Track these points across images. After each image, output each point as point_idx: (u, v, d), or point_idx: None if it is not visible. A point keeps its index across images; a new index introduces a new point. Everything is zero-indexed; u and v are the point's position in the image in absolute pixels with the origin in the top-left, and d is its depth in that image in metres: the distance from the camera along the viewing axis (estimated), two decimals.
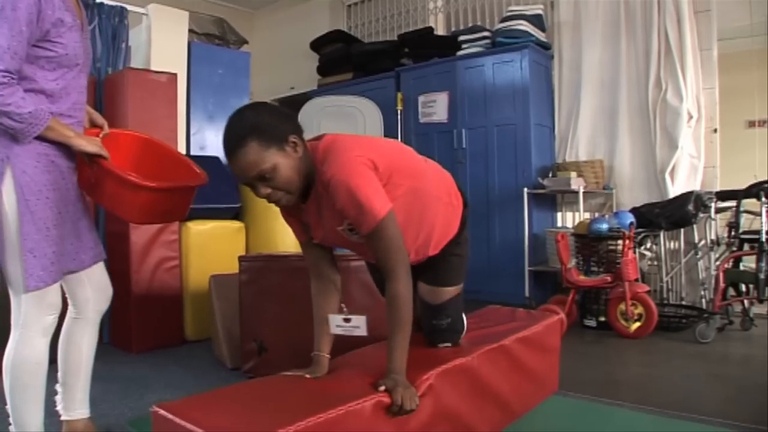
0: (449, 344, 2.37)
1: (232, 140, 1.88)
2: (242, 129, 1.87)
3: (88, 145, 2.08)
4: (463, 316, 2.44)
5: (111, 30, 4.84)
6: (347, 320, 2.13)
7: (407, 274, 1.97)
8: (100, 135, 2.30)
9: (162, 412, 1.69)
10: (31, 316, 2.07)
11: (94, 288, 2.37)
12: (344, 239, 2.11)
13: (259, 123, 1.88)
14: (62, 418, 2.37)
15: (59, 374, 2.36)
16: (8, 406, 2.16)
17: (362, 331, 2.11)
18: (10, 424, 2.19)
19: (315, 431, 1.60)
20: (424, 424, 2.01)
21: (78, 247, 2.25)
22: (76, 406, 2.33)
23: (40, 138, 1.99)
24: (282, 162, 1.87)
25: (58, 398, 2.39)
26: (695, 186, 5.16)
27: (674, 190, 5.13)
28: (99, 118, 2.41)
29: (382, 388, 1.87)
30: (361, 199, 1.88)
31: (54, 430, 2.48)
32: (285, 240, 4.90)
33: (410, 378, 1.96)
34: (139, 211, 2.24)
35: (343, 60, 7.13)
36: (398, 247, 1.96)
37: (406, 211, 2.08)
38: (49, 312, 2.11)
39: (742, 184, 4.50)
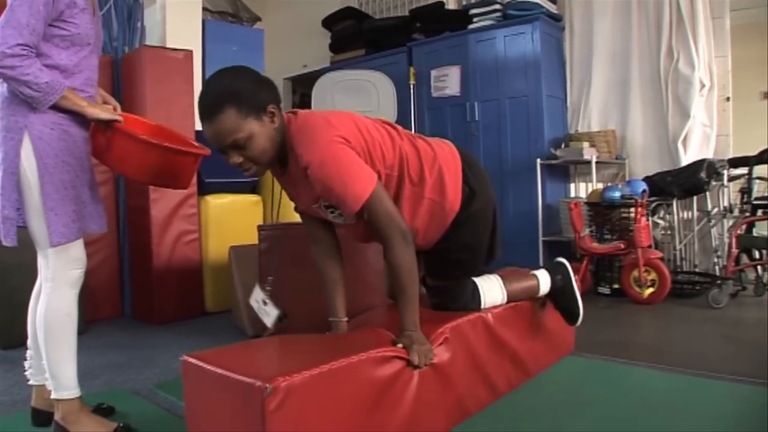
0: None
1: (210, 104, 1.84)
2: (221, 94, 1.83)
3: (102, 112, 2.19)
4: (466, 295, 2.38)
5: (126, 10, 4.90)
6: (265, 302, 2.26)
7: (403, 240, 1.94)
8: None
9: (192, 360, 1.77)
10: (59, 269, 2.19)
11: None
12: (321, 213, 2.11)
13: (239, 89, 1.84)
14: (30, 383, 2.43)
15: (29, 340, 2.42)
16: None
17: (269, 322, 2.24)
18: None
19: (336, 375, 1.68)
20: (442, 375, 2.09)
21: (99, 210, 2.37)
22: (43, 372, 2.38)
23: (56, 108, 2.09)
24: (258, 132, 1.85)
25: (26, 364, 2.45)
26: (708, 155, 5.16)
27: (687, 159, 5.13)
28: (111, 100, 2.48)
29: (400, 345, 1.94)
30: (338, 188, 1.86)
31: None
32: (272, 215, 4.99)
33: (426, 331, 2.03)
34: (147, 170, 2.34)
35: (355, 36, 7.14)
36: (390, 216, 1.94)
37: None
38: (75, 266, 2.24)
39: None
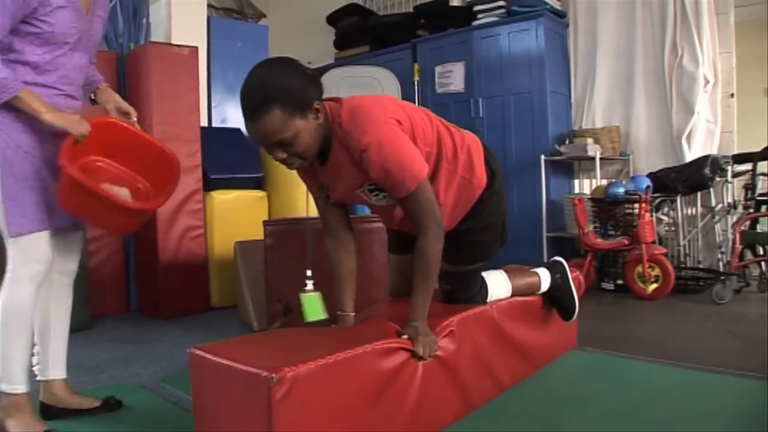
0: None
1: (255, 104, 1.80)
2: (267, 93, 1.78)
3: (56, 119, 2.08)
4: (476, 286, 2.40)
5: (132, 6, 4.94)
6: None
7: (438, 230, 1.99)
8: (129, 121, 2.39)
9: (199, 352, 1.79)
10: (18, 261, 2.12)
11: (59, 251, 2.35)
12: (361, 199, 2.14)
13: (287, 88, 1.80)
14: (38, 378, 2.40)
15: (35, 336, 2.36)
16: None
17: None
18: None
19: (341, 366, 1.70)
20: (448, 368, 2.11)
21: None
22: (49, 368, 2.37)
23: (9, 107, 2.04)
24: (303, 129, 1.83)
25: (34, 359, 2.40)
26: (712, 151, 5.16)
27: (691, 156, 5.14)
28: (124, 105, 2.43)
29: (405, 337, 1.96)
30: (398, 166, 1.88)
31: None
32: (306, 207, 5.00)
33: (431, 323, 2.06)
34: (77, 207, 2.18)
35: (360, 33, 7.17)
36: (433, 206, 1.98)
37: None
38: (36, 260, 2.14)
39: None
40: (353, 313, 2.25)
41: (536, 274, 2.67)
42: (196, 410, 1.85)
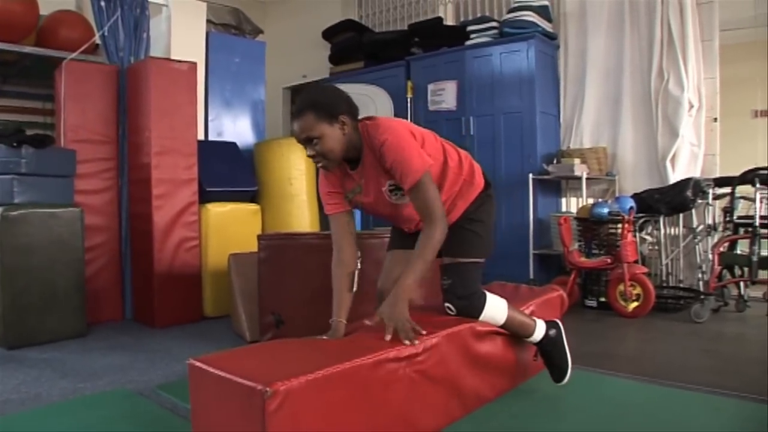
0: (451, 306, 2.50)
1: (298, 106, 2.29)
2: (307, 100, 2.29)
3: None
4: (474, 287, 2.53)
5: (133, 21, 5.04)
6: None
7: (443, 222, 2.31)
8: None
9: (197, 363, 1.91)
10: None
11: None
12: (386, 201, 2.45)
13: (320, 99, 2.29)
14: None
15: None
16: None
17: None
18: None
19: (332, 379, 1.82)
20: (432, 381, 2.24)
21: None
22: None
23: None
24: (328, 134, 2.27)
25: None
26: (696, 173, 5.32)
27: (675, 177, 5.29)
28: None
29: (377, 319, 2.26)
30: (406, 157, 2.26)
31: None
32: (300, 222, 5.14)
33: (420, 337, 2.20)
34: None
35: (355, 49, 7.30)
36: (436, 198, 2.32)
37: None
38: None
39: None
40: (345, 321, 2.41)
41: (533, 320, 2.73)
42: (193, 418, 1.96)
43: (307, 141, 2.29)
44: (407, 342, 2.15)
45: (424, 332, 2.23)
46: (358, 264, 2.51)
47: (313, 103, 2.27)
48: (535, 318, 2.74)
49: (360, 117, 2.41)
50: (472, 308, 2.50)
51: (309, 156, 2.32)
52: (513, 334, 2.69)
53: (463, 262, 2.51)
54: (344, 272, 2.48)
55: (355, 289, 2.49)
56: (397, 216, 2.55)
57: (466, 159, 2.63)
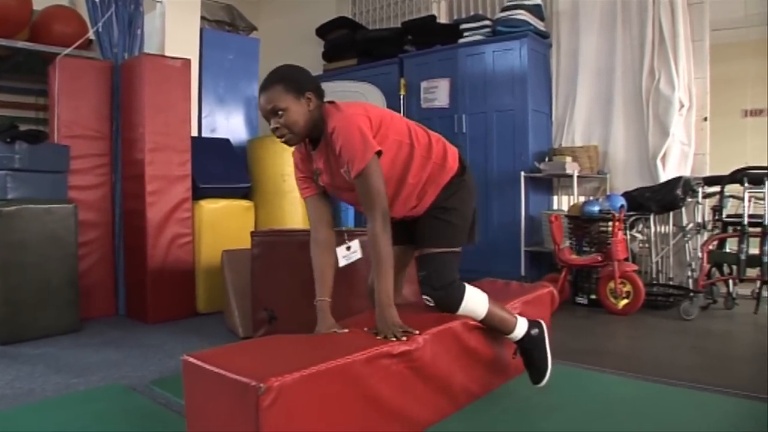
0: (429, 298, 2.48)
1: (267, 80, 2.36)
2: (278, 74, 2.35)
3: None
4: (450, 277, 2.50)
5: (127, 17, 5.05)
6: (348, 248, 2.60)
7: (384, 217, 2.32)
8: None
9: (191, 359, 1.93)
10: None
11: None
12: (345, 183, 2.42)
13: (289, 75, 2.36)
14: None
15: None
16: None
17: (359, 254, 2.63)
18: None
19: (325, 375, 1.86)
20: (424, 376, 2.27)
21: None
22: None
23: None
24: (293, 107, 2.31)
25: None
26: (686, 172, 5.37)
27: (665, 176, 5.35)
28: None
29: (380, 337, 2.23)
30: (352, 143, 2.29)
31: None
32: (292, 218, 5.16)
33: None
34: None
35: (348, 46, 7.30)
36: (378, 191, 2.32)
37: (391, 159, 2.43)
38: None
39: None
40: (329, 300, 2.46)
41: (515, 316, 2.68)
42: (188, 414, 1.99)
43: (272, 112, 2.34)
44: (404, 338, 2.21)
45: (416, 332, 2.26)
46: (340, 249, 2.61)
47: (281, 77, 2.34)
48: (517, 315, 2.69)
49: (325, 100, 2.46)
50: (450, 300, 2.47)
51: (273, 129, 2.38)
52: (493, 329, 2.65)
53: (437, 252, 2.49)
54: (322, 251, 2.51)
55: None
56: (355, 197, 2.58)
57: (438, 142, 2.62)
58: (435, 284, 2.47)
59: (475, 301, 2.53)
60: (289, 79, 2.33)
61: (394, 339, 2.18)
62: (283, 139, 2.39)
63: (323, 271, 2.49)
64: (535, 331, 2.68)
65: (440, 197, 2.57)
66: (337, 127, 2.32)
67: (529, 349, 2.68)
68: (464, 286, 2.51)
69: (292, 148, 2.54)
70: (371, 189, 2.31)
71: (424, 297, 2.49)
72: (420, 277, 2.52)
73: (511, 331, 2.64)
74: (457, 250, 2.55)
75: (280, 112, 2.31)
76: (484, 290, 2.62)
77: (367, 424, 2.02)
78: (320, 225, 2.55)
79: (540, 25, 6.08)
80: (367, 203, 2.33)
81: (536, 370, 2.68)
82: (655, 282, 5.23)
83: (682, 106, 5.40)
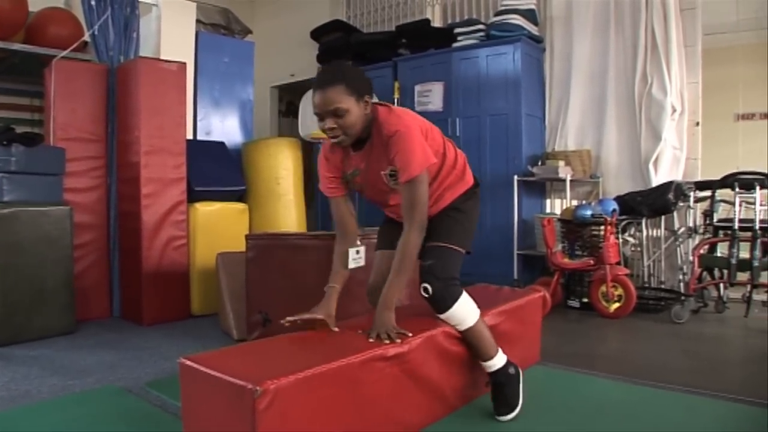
0: (428, 287, 2.41)
1: (328, 77, 2.34)
2: (339, 73, 2.34)
3: None
4: (454, 272, 2.49)
5: (123, 20, 5.06)
6: (357, 252, 2.62)
7: (421, 228, 2.40)
8: None
9: (188, 362, 1.95)
10: None
11: None
12: (383, 185, 2.51)
13: (353, 76, 2.36)
14: None
15: None
16: None
17: (362, 261, 2.64)
18: None
19: (320, 378, 1.88)
20: (418, 379, 2.31)
21: None
22: None
23: None
24: (354, 109, 2.32)
25: None
26: (678, 176, 5.41)
27: (657, 180, 5.39)
28: None
29: (371, 340, 2.26)
30: (411, 151, 2.33)
31: None
32: (286, 221, 5.19)
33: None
34: None
35: (343, 49, 7.31)
36: (422, 201, 2.39)
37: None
38: None
39: None
40: (338, 287, 2.54)
41: (498, 347, 2.62)
42: (184, 416, 2.01)
43: (331, 113, 2.32)
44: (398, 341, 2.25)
45: (410, 334, 2.30)
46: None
47: (344, 76, 2.33)
48: (499, 348, 2.61)
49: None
50: (448, 294, 2.44)
51: (327, 129, 2.36)
52: (473, 347, 2.58)
53: (447, 246, 2.53)
54: (345, 248, 2.59)
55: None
56: (389, 202, 2.64)
57: (461, 157, 2.73)
58: (438, 274, 2.44)
59: (467, 309, 2.51)
60: (351, 79, 2.34)
61: (388, 341, 2.22)
62: (335, 140, 2.41)
63: (341, 268, 2.58)
64: (512, 370, 2.61)
65: (455, 200, 2.66)
66: (399, 131, 2.34)
67: (502, 383, 2.58)
68: (462, 290, 2.51)
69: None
70: (417, 198, 2.37)
71: (423, 286, 2.43)
72: (424, 266, 2.50)
73: (490, 358, 2.57)
74: (462, 251, 2.57)
75: (340, 113, 2.31)
76: (476, 295, 2.62)
77: (361, 426, 2.05)
78: (348, 224, 2.64)
79: (534, 29, 6.11)
80: (409, 211, 2.39)
81: (505, 405, 2.57)
82: (646, 285, 5.27)
83: (674, 110, 5.44)
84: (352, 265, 2.60)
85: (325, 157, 2.61)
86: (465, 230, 2.65)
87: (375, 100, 2.47)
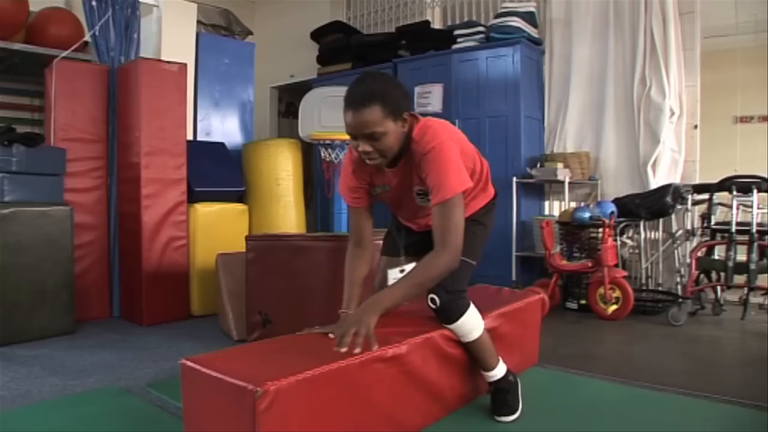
0: (435, 298, 2.39)
1: (362, 97, 2.14)
2: (374, 92, 2.14)
3: None
4: (463, 286, 2.47)
5: (124, 21, 5.08)
6: (402, 271, 2.51)
7: (453, 256, 2.22)
8: None
9: (189, 363, 1.97)
10: None
11: None
12: (412, 202, 2.45)
13: (390, 93, 2.17)
14: None
15: None
16: None
17: None
18: None
19: (320, 379, 1.90)
20: (417, 380, 2.32)
21: None
22: None
23: None
24: (392, 131, 2.17)
25: None
26: (676, 179, 5.43)
27: (656, 183, 5.40)
28: None
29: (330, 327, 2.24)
30: (446, 172, 2.19)
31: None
32: (286, 222, 5.21)
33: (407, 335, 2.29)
34: None
35: (343, 50, 7.34)
36: (457, 226, 2.22)
37: None
38: None
39: None
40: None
41: (499, 358, 2.65)
42: (185, 417, 2.03)
43: (367, 137, 2.17)
44: (344, 349, 2.02)
45: (376, 347, 2.11)
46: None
47: (382, 95, 2.14)
48: (500, 358, 2.64)
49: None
50: (456, 307, 2.42)
51: (361, 151, 2.22)
52: (476, 358, 2.59)
53: (461, 259, 2.40)
54: (359, 264, 2.50)
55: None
56: (416, 217, 2.61)
57: (485, 167, 2.65)
58: (448, 287, 2.38)
59: (474, 322, 2.51)
60: (389, 97, 2.15)
61: (345, 348, 2.03)
62: (372, 163, 2.27)
63: (354, 282, 2.47)
64: (511, 378, 2.64)
65: (476, 213, 2.60)
66: (435, 149, 2.19)
67: (505, 389, 2.60)
68: (470, 304, 2.50)
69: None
70: (450, 222, 2.21)
71: (431, 297, 2.39)
72: None
73: (492, 368, 2.59)
74: (473, 263, 2.54)
75: (377, 137, 2.16)
76: (475, 296, 2.64)
77: (361, 427, 2.06)
78: (363, 237, 2.53)
79: (533, 32, 6.13)
80: (441, 235, 2.22)
81: (507, 408, 2.58)
82: (644, 288, 5.29)
83: (672, 113, 5.46)
84: (392, 282, 2.48)
85: (352, 169, 2.47)
86: (479, 242, 2.62)
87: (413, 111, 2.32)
